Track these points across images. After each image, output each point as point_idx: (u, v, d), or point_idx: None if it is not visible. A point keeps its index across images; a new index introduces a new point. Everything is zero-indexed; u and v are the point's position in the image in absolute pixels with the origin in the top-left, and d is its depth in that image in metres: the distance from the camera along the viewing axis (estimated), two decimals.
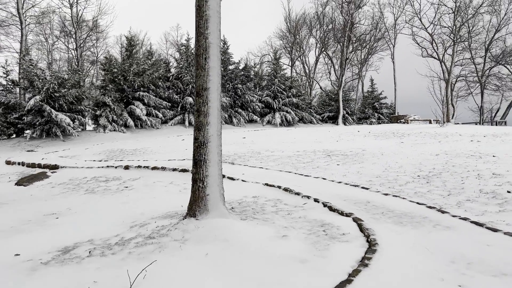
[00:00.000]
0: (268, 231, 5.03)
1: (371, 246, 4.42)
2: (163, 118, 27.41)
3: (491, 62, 39.87)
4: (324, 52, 46.13)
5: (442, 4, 31.73)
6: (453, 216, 5.58)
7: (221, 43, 34.08)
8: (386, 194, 7.12)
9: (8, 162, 13.21)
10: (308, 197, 6.83)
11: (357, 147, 13.64)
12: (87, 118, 24.89)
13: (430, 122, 31.80)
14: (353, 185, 7.98)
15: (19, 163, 12.79)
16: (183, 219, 5.34)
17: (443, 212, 5.80)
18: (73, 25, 31.95)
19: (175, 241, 4.70)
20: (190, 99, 28.08)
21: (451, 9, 30.25)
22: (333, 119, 39.31)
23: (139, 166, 10.50)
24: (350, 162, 10.63)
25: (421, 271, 3.78)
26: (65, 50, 36.36)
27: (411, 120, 32.97)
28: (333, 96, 40.54)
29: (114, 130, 23.99)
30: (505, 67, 39.68)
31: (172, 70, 31.49)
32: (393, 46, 44.56)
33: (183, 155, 12.77)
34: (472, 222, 5.24)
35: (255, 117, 32.91)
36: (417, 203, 6.41)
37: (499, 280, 3.51)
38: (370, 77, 44.07)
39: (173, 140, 18.81)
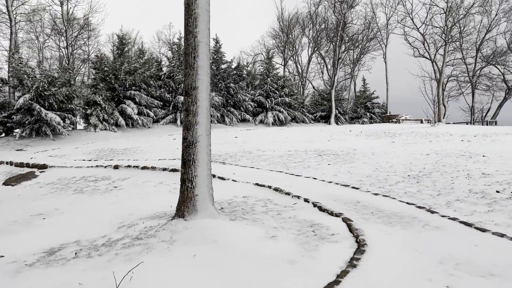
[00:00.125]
0: (257, 231, 4.99)
1: (360, 247, 4.40)
2: (154, 117, 27.27)
3: (482, 62, 40.26)
4: (317, 52, 46.25)
5: (433, 4, 31.94)
6: (442, 216, 5.58)
7: (214, 42, 34.11)
8: (376, 194, 7.11)
9: None
10: (298, 197, 6.80)
11: (348, 146, 13.65)
12: (77, 117, 24.70)
13: (422, 122, 31.99)
14: (343, 185, 7.96)
15: (7, 163, 12.62)
16: (172, 219, 5.28)
17: (432, 212, 5.80)
18: (63, 23, 31.64)
19: (163, 242, 4.65)
20: (182, 98, 27.97)
21: (443, 9, 30.46)
22: (326, 119, 39.41)
23: (129, 166, 10.41)
24: (341, 161, 10.63)
25: (409, 271, 3.76)
26: (56, 48, 36.03)
27: (403, 120, 33.15)
28: (325, 96, 40.64)
29: (105, 129, 23.82)
30: (496, 67, 40.09)
31: (164, 69, 31.35)
32: (385, 46, 44.80)
33: (174, 155, 12.68)
34: (461, 222, 5.24)
35: (247, 116, 32.87)
36: (407, 203, 6.41)
37: (486, 281, 3.51)
38: (363, 76, 44.28)
39: (164, 140, 18.70)
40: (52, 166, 11.36)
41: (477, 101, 41.44)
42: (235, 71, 34.65)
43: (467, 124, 35.69)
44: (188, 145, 5.28)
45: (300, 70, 48.47)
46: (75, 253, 4.51)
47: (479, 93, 41.19)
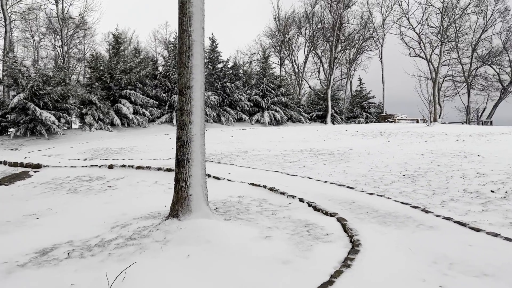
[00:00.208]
0: (251, 231, 4.97)
1: (354, 247, 4.39)
2: (150, 116, 27.18)
3: (478, 62, 40.40)
4: (313, 51, 46.22)
5: (429, 4, 31.97)
6: (437, 216, 5.58)
7: (210, 41, 34.04)
8: (371, 194, 7.11)
9: None
10: (293, 196, 6.79)
11: (344, 146, 13.66)
12: (73, 116, 24.58)
13: (417, 122, 32.09)
14: (338, 185, 7.96)
15: (1, 162, 12.53)
16: (166, 219, 5.25)
17: (427, 212, 5.80)
18: (58, 22, 31.48)
19: (156, 242, 4.62)
20: None
21: (439, 9, 30.49)
22: (322, 118, 39.44)
23: (124, 166, 10.36)
24: (336, 161, 10.63)
25: (403, 272, 3.75)
26: (52, 47, 35.85)
27: (399, 120, 33.22)
28: (322, 95, 40.67)
29: (101, 129, 23.72)
30: (491, 67, 40.24)
31: (160, 68, 31.26)
32: (382, 46, 44.84)
33: (169, 154, 12.64)
34: (456, 222, 5.24)
35: (243, 116, 32.82)
36: (402, 202, 6.41)
37: (480, 281, 3.50)
38: (359, 76, 44.32)
39: (160, 139, 18.65)
40: (46, 166, 11.29)
41: (473, 101, 41.65)
42: (231, 71, 34.58)
43: (462, 123, 35.83)
44: (182, 145, 5.25)
45: (296, 70, 48.48)
46: (68, 254, 4.47)
47: (475, 93, 41.40)
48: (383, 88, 43.92)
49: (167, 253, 4.29)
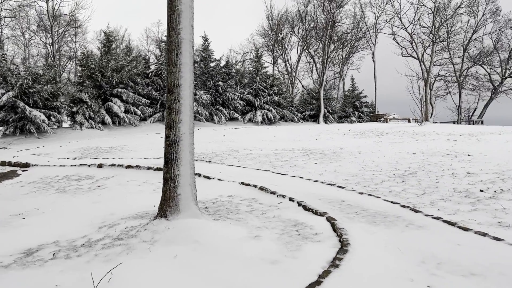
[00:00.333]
0: (240, 231, 4.93)
1: (343, 246, 4.37)
2: (142, 115, 27.02)
3: (469, 62, 40.72)
4: (306, 51, 46.25)
5: (421, 4, 32.18)
6: (426, 215, 5.58)
7: (202, 40, 33.93)
8: (361, 193, 7.11)
9: None
10: (284, 196, 6.76)
11: (335, 145, 13.67)
12: (63, 115, 24.37)
13: (409, 121, 32.25)
14: (329, 184, 7.94)
15: None
16: (154, 219, 5.19)
17: (416, 211, 5.80)
18: (49, 19, 31.16)
19: (144, 242, 4.57)
20: None
21: (431, 9, 30.73)
22: (315, 118, 39.51)
23: (113, 165, 10.27)
24: (327, 160, 10.62)
25: (391, 271, 3.73)
26: (42, 45, 35.47)
27: (391, 119, 33.38)
28: (314, 95, 40.74)
29: (91, 128, 23.53)
30: (482, 67, 40.59)
31: (152, 66, 31.08)
32: (374, 46, 45.04)
33: (160, 153, 12.51)
34: (444, 221, 5.24)
35: (236, 115, 32.75)
36: (391, 202, 6.40)
37: (467, 280, 3.50)
38: (351, 76, 44.47)
39: (151, 138, 18.54)
40: (35, 165, 11.15)
41: (464, 101, 41.95)
42: (224, 69, 34.49)
43: (454, 123, 36.09)
44: (171, 144, 5.20)
45: (289, 69, 48.50)
46: (53, 254, 4.42)
47: (466, 92, 41.69)
48: (375, 87, 44.13)
49: (155, 254, 4.25)
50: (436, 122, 30.92)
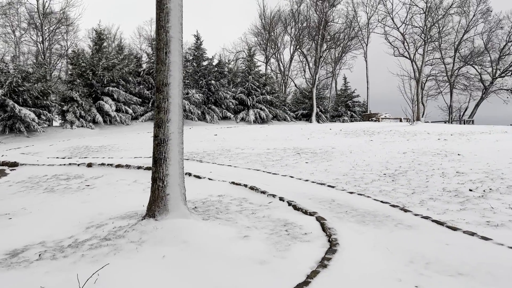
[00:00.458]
0: (229, 231, 4.90)
1: (332, 246, 4.36)
2: (133, 114, 26.87)
3: (460, 62, 41.03)
4: (299, 50, 46.32)
5: (413, 4, 32.29)
6: (415, 215, 5.59)
7: (194, 39, 33.82)
8: (351, 193, 7.11)
9: None
10: (274, 195, 6.74)
11: (327, 145, 13.68)
12: (53, 113, 24.14)
13: (401, 121, 32.43)
14: (319, 183, 7.94)
15: None
16: (142, 219, 5.14)
17: (405, 211, 5.81)
18: (39, 17, 30.83)
19: (131, 242, 4.52)
20: None
21: (422, 9, 30.83)
22: (307, 117, 39.56)
23: (103, 164, 10.17)
24: (318, 160, 10.63)
25: (380, 271, 3.73)
26: (33, 43, 35.08)
27: (382, 118, 33.52)
28: (307, 94, 40.79)
29: (82, 126, 23.35)
30: (473, 67, 40.92)
31: (144, 65, 30.91)
32: (366, 45, 45.16)
33: (151, 153, 12.41)
34: (433, 221, 5.26)
35: (228, 114, 32.69)
36: (381, 201, 6.41)
37: (455, 280, 3.50)
38: (344, 75, 44.65)
39: (142, 137, 18.43)
40: (23, 164, 11.03)
41: (455, 100, 42.26)
42: (216, 68, 34.40)
43: (445, 123, 36.32)
44: (159, 143, 5.16)
45: (282, 68, 48.53)
46: (39, 255, 4.36)
47: (457, 92, 42.03)
48: (367, 87, 44.27)
49: (142, 254, 4.20)
50: (428, 122, 31.10)
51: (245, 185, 7.56)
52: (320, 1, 40.04)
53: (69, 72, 26.83)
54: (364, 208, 6.04)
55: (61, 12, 33.52)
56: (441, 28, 36.85)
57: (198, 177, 8.50)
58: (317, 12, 40.77)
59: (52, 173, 9.86)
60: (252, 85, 34.35)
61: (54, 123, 25.28)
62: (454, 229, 4.89)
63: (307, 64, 46.45)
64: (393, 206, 6.11)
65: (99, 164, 10.22)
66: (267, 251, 4.27)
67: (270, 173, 9.21)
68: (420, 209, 5.93)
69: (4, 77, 19.87)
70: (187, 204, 5.39)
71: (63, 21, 34.30)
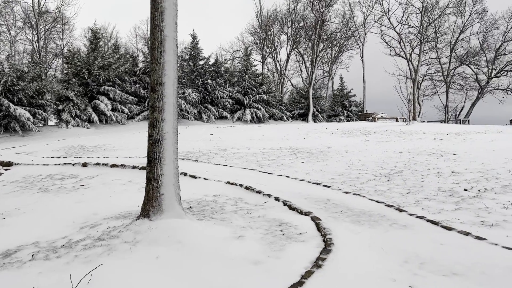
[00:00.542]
0: (224, 231, 4.89)
1: (327, 246, 4.35)
2: (129, 113, 26.77)
3: (456, 62, 41.19)
4: (296, 49, 46.30)
5: (410, 4, 32.37)
6: (410, 214, 5.59)
7: (191, 38, 33.73)
8: (346, 192, 7.11)
9: None
10: (269, 195, 6.72)
11: (323, 144, 13.68)
12: (49, 112, 24.03)
13: (397, 120, 32.51)
14: (315, 183, 7.93)
15: None
16: (136, 219, 5.12)
17: (400, 210, 5.82)
18: (34, 15, 30.67)
19: (125, 243, 4.49)
20: None
21: (419, 9, 30.94)
22: (304, 116, 39.57)
23: (98, 164, 10.12)
24: (314, 159, 10.62)
25: (374, 271, 3.72)
26: (29, 42, 34.90)
27: (379, 118, 33.59)
28: (303, 94, 40.81)
29: (78, 126, 23.25)
30: (469, 67, 41.09)
31: (140, 64, 30.82)
32: (363, 45, 45.19)
33: (146, 152, 12.43)
34: (428, 220, 5.26)
35: (225, 113, 32.64)
36: (376, 201, 6.41)
37: (449, 280, 3.50)
38: (340, 75, 44.64)
39: (138, 136, 18.38)
40: (18, 164, 10.96)
41: (451, 100, 42.46)
42: (212, 68, 34.33)
43: (441, 122, 36.48)
44: (154, 143, 5.13)
45: (278, 68, 48.52)
46: (32, 255, 4.33)
47: (453, 92, 42.19)
48: (364, 86, 44.33)
49: (136, 254, 4.18)
50: (424, 121, 31.24)
51: (241, 185, 7.54)
52: (316, 1, 40.05)
53: (65, 71, 26.70)
54: (359, 208, 6.04)
55: (56, 10, 33.39)
56: (437, 28, 36.98)
57: (194, 176, 8.47)
58: (314, 12, 40.79)
59: (47, 173, 9.80)
60: (249, 84, 34.32)
61: (50, 123, 25.16)
62: (449, 229, 4.89)
63: (303, 64, 46.48)
64: (388, 206, 6.11)
65: (94, 164, 10.17)
66: (262, 251, 4.25)
67: (266, 172, 9.20)
68: (415, 209, 5.93)
69: None
70: (182, 204, 5.37)
71: (59, 20, 34.16)
